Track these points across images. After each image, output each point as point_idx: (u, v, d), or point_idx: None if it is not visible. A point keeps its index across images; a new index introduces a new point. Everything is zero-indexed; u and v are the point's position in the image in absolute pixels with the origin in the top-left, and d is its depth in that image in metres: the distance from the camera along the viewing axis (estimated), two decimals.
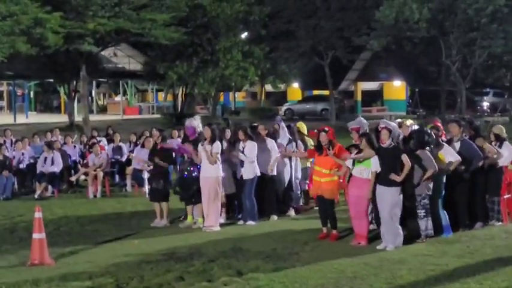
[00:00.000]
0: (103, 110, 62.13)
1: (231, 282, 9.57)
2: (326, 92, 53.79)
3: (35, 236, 11.02)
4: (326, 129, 12.35)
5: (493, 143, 13.45)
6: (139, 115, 56.04)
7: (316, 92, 58.47)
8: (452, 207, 12.45)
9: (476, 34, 38.23)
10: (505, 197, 13.37)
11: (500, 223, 13.17)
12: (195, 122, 14.30)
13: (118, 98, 62.81)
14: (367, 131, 12.65)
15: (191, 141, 14.00)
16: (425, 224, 11.84)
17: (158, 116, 51.09)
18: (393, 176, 11.33)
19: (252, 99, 66.20)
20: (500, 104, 48.82)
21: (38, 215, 11.14)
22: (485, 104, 50.75)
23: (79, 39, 33.57)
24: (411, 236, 11.85)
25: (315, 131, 12.65)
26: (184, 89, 47.82)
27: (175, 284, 9.59)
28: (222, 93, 49.75)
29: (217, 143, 13.40)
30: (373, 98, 62.28)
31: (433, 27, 38.56)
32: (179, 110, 48.15)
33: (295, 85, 58.95)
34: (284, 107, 54.93)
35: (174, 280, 9.76)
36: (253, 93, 66.50)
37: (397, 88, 60.31)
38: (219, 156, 13.41)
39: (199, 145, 13.55)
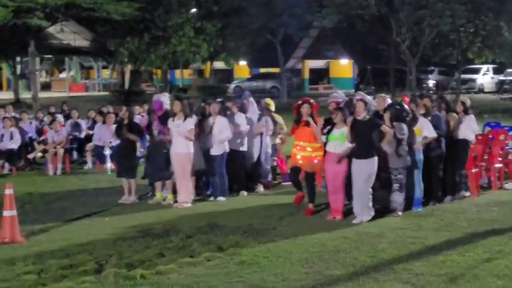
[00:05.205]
0: (46, 87, 60.97)
1: (214, 258, 9.47)
2: (274, 70, 53.78)
3: (6, 213, 10.71)
4: (311, 101, 12.31)
5: (460, 115, 13.57)
6: (86, 92, 55.26)
7: (263, 70, 58.41)
8: (424, 181, 12.52)
9: (425, 12, 38.62)
10: (472, 170, 13.57)
11: (468, 194, 13.36)
12: (164, 98, 14.07)
13: (63, 75, 61.71)
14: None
15: (159, 117, 13.77)
16: (396, 198, 11.92)
17: (105, 93, 50.36)
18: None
19: (198, 77, 65.87)
20: (446, 82, 49.50)
21: (8, 191, 10.83)
22: (431, 82, 51.39)
23: (28, 13, 32.73)
24: (384, 209, 11.92)
25: (299, 102, 12.54)
26: (132, 66, 47.23)
27: (157, 260, 9.42)
28: (168, 70, 49.34)
29: (190, 119, 13.22)
30: (320, 76, 62.66)
31: (383, 5, 38.85)
32: (127, 87, 47.57)
33: (242, 63, 58.80)
34: (233, 85, 54.75)
35: (154, 256, 9.59)
36: (199, 71, 66.14)
37: (344, 66, 60.82)
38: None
39: (170, 120, 13.35)
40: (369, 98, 12.18)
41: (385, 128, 11.46)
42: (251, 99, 14.91)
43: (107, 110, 19.80)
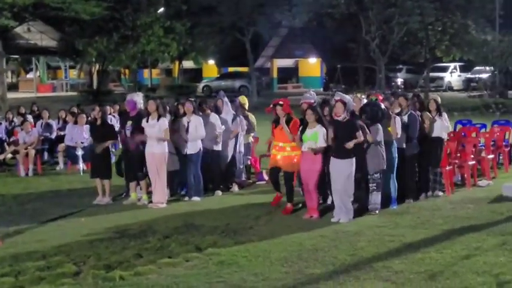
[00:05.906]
0: (12, 87, 60.12)
1: (193, 258, 9.42)
2: (243, 69, 53.69)
3: None
4: (281, 102, 12.27)
5: (433, 113, 13.64)
6: (53, 93, 54.63)
7: (231, 69, 58.26)
8: (398, 179, 12.56)
9: (394, 10, 38.86)
10: (446, 168, 13.66)
11: (442, 193, 13.44)
12: (137, 97, 13.95)
13: (30, 75, 60.99)
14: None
15: (132, 117, 13.64)
16: (374, 198, 11.95)
17: (73, 93, 49.86)
18: (346, 145, 11.29)
19: (166, 76, 65.54)
20: (414, 80, 49.81)
21: None
22: (399, 80, 51.67)
23: None
24: (361, 208, 11.94)
25: (271, 106, 12.51)
26: (100, 66, 46.83)
27: (135, 261, 9.34)
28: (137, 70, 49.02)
29: (164, 119, 13.14)
30: (289, 75, 62.68)
31: (353, 3, 39.05)
32: (96, 87, 47.16)
33: (211, 62, 58.63)
34: (202, 84, 54.56)
35: (132, 257, 9.50)
36: (167, 70, 65.81)
37: (312, 65, 60.89)
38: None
39: (144, 121, 13.24)
40: (348, 98, 12.13)
41: (359, 134, 11.41)
42: (225, 99, 14.86)
43: (78, 111, 19.61)
